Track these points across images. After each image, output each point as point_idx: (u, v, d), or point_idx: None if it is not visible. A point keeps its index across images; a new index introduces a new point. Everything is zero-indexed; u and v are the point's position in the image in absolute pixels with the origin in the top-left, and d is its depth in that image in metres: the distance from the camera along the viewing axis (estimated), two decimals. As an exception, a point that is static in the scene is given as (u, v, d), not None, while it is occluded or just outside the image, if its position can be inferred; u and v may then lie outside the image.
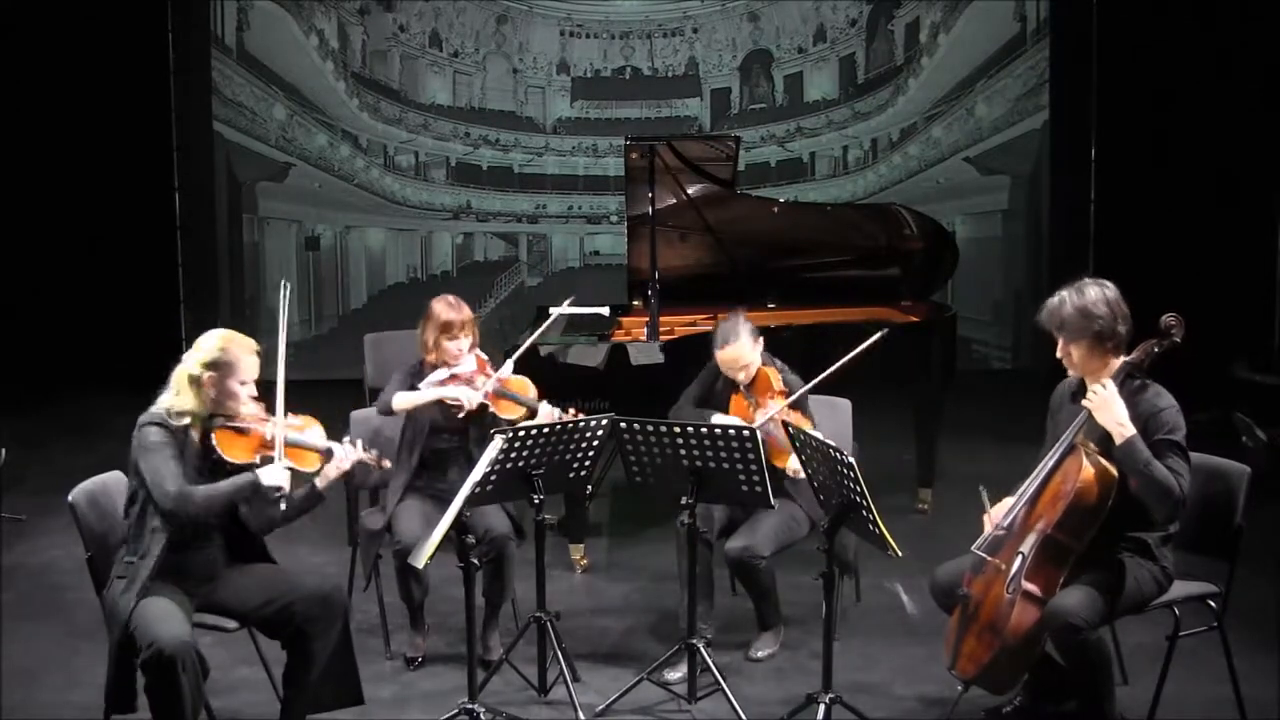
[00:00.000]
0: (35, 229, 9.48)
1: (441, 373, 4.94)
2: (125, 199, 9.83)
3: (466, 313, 4.97)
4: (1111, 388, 3.83)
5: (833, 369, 4.73)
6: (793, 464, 4.53)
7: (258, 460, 3.99)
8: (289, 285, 4.33)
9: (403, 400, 4.91)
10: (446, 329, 4.92)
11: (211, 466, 3.97)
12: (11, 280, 9.31)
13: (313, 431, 4.12)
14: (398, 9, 10.41)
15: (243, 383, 3.97)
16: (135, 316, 9.63)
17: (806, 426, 4.56)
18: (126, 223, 9.85)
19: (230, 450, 3.96)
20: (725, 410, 4.92)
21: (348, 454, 4.08)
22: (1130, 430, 3.78)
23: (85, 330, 9.52)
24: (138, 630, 3.74)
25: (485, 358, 5.04)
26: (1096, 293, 3.90)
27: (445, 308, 4.96)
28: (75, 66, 9.50)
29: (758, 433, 4.20)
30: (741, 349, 4.86)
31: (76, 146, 9.52)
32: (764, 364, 4.92)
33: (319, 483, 4.08)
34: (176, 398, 3.93)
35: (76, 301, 9.60)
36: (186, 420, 3.91)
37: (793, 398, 4.75)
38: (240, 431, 3.98)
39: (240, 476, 3.92)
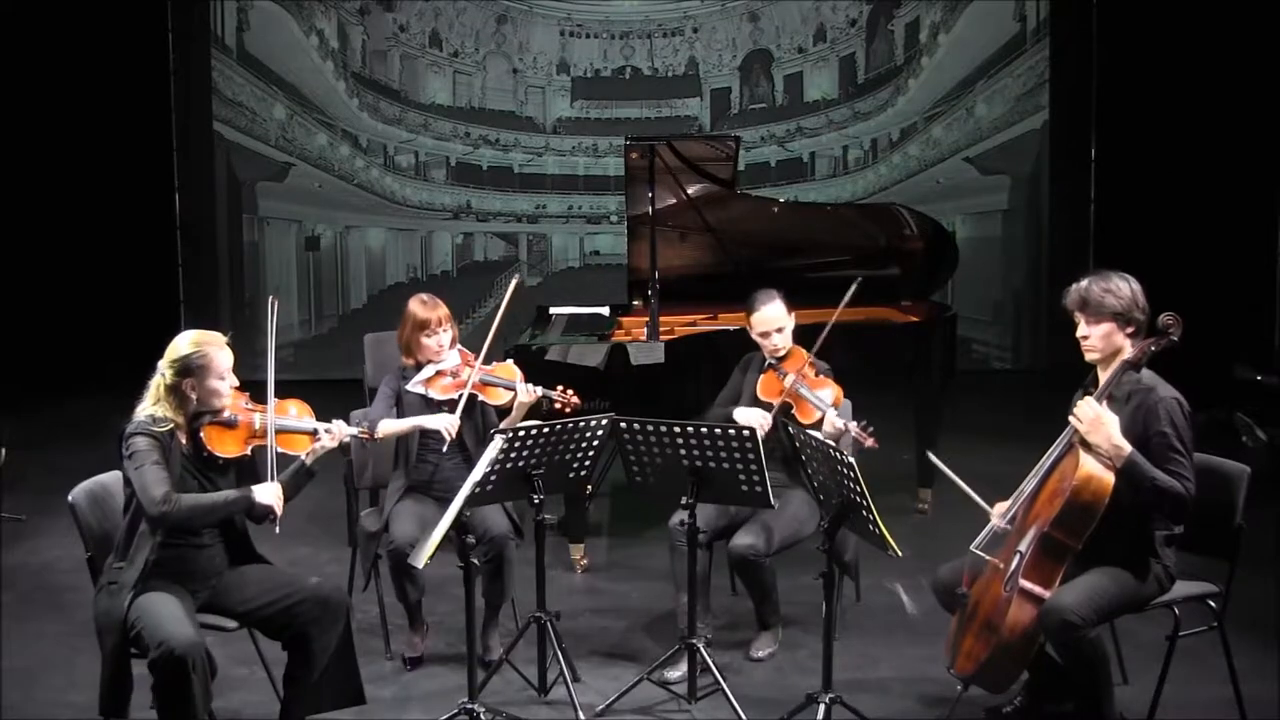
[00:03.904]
0: (35, 229, 9.49)
1: (428, 370, 4.95)
2: (125, 199, 9.84)
3: (443, 309, 4.97)
4: (1095, 406, 3.84)
5: (830, 324, 5.01)
6: (824, 413, 4.64)
7: (249, 451, 4.02)
8: (275, 301, 4.32)
9: (386, 428, 4.87)
10: (424, 326, 4.92)
11: (205, 464, 3.98)
12: (12, 280, 9.31)
13: (300, 414, 4.14)
14: (398, 9, 10.42)
15: (221, 378, 3.97)
16: (135, 317, 9.64)
17: (831, 390, 4.75)
18: (126, 223, 9.86)
19: (220, 446, 3.98)
20: (754, 390, 4.96)
21: (337, 432, 4.10)
22: (1126, 449, 3.79)
23: (85, 330, 9.52)
24: (144, 630, 3.73)
25: (468, 351, 5.05)
26: (1120, 280, 3.96)
27: (420, 306, 4.96)
28: (75, 66, 9.51)
29: (758, 432, 4.20)
30: (777, 309, 4.95)
31: (77, 147, 9.53)
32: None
33: (308, 459, 4.08)
34: (156, 406, 3.93)
35: (77, 301, 9.61)
36: (170, 425, 3.91)
37: (812, 356, 4.93)
38: (228, 425, 4.00)
39: (234, 493, 3.94)
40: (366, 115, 10.50)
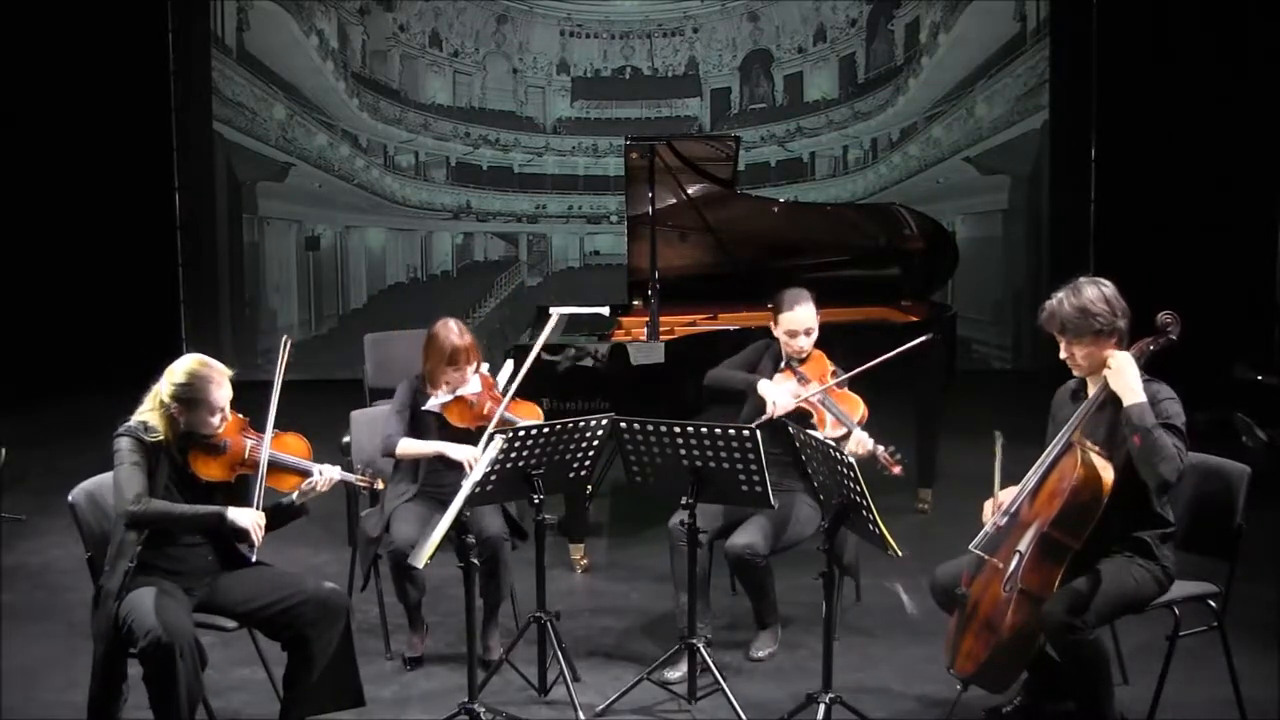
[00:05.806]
0: (36, 229, 9.48)
1: (444, 395, 4.87)
2: (126, 199, 9.84)
3: (469, 339, 4.86)
4: (1129, 359, 3.82)
5: (877, 362, 4.82)
6: (851, 430, 4.60)
7: (233, 480, 4.00)
8: (289, 342, 4.31)
9: (407, 449, 4.85)
10: (453, 359, 4.83)
11: (189, 483, 3.97)
12: (12, 280, 9.31)
13: (297, 452, 4.08)
14: (398, 9, 10.42)
15: (213, 413, 3.93)
16: (135, 316, 9.64)
17: (857, 408, 4.69)
18: (127, 222, 9.85)
19: (205, 469, 3.97)
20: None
21: (329, 476, 4.06)
22: (1142, 397, 3.76)
23: (85, 330, 9.52)
24: (133, 622, 3.74)
25: (490, 376, 4.97)
26: (1094, 291, 3.89)
27: (450, 334, 4.84)
28: (75, 66, 9.51)
29: (757, 432, 4.20)
30: (810, 311, 4.87)
31: (77, 146, 9.53)
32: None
33: (297, 500, 4.07)
34: (150, 414, 3.94)
35: (76, 301, 9.60)
36: (159, 437, 3.91)
37: (844, 377, 4.84)
38: (216, 450, 3.98)
39: (207, 509, 3.91)
40: (366, 115, 10.49)
